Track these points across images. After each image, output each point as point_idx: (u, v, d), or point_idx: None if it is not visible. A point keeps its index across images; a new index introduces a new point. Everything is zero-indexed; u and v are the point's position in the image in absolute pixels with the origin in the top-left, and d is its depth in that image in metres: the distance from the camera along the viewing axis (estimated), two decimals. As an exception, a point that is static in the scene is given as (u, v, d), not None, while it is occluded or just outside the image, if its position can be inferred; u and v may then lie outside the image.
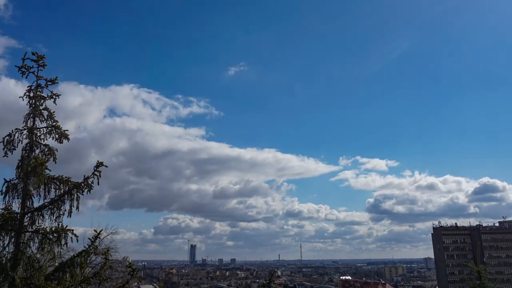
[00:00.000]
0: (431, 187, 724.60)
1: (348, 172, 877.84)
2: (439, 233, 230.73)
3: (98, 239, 18.87)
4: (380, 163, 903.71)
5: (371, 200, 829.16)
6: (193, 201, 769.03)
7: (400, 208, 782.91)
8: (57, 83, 19.52)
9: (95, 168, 18.32)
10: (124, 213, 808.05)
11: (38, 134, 19.06)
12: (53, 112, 19.37)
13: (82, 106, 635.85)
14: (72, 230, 17.96)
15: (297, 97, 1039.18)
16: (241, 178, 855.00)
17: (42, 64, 19.39)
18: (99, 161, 18.38)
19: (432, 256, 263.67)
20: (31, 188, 18.19)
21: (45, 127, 19.18)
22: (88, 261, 18.64)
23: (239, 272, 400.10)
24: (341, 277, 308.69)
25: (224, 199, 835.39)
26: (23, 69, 19.17)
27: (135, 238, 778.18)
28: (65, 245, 17.97)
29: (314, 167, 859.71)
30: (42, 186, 18.22)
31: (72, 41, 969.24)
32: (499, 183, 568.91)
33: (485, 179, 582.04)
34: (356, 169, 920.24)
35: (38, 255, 18.00)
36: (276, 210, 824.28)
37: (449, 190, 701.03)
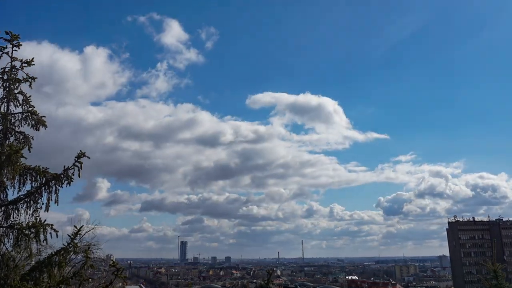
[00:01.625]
0: (445, 183, 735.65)
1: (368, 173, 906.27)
2: (455, 228, 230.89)
3: (78, 235, 18.95)
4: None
5: (383, 197, 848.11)
6: (227, 206, 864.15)
7: (412, 203, 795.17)
8: (33, 64, 19.53)
9: (75, 158, 18.32)
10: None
11: (13, 121, 19.11)
12: (29, 96, 19.41)
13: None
14: (51, 225, 17.97)
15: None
16: (297, 186, 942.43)
17: (16, 44, 19.30)
18: (81, 150, 18.44)
19: (447, 254, 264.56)
20: (5, 179, 18.25)
21: (20, 112, 19.21)
22: (67, 260, 18.76)
23: (234, 272, 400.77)
24: (347, 277, 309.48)
25: (259, 204, 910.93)
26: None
27: (140, 237, 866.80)
28: (44, 241, 18.07)
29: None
30: (17, 177, 18.27)
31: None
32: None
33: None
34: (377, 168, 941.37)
35: (13, 253, 18.11)
36: (292, 212, 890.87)
37: (465, 186, 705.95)
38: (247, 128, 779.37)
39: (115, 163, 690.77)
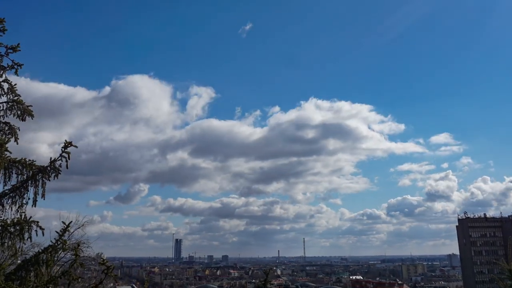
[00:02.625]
0: (453, 185, 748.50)
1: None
2: (465, 225, 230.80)
3: (67, 232, 18.84)
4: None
5: (391, 199, 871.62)
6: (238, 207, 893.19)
7: (418, 204, 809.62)
8: (19, 50, 19.24)
9: (62, 149, 18.14)
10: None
11: (-3, 111, 18.96)
12: (15, 84, 19.19)
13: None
14: (37, 222, 17.83)
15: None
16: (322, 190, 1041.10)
17: (1, 28, 19.06)
18: (67, 140, 18.29)
19: (457, 253, 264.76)
20: (-12, 174, 18.13)
21: (5, 102, 18.98)
22: (55, 258, 18.64)
23: (232, 271, 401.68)
24: (351, 277, 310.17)
25: (275, 205, 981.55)
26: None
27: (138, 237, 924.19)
28: (28, 240, 17.96)
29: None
30: (2, 171, 18.13)
31: None
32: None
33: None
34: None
35: (-3, 251, 18.06)
36: (300, 212, 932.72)
37: (474, 184, 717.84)
38: (289, 144, 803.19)
39: (165, 172, 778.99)
